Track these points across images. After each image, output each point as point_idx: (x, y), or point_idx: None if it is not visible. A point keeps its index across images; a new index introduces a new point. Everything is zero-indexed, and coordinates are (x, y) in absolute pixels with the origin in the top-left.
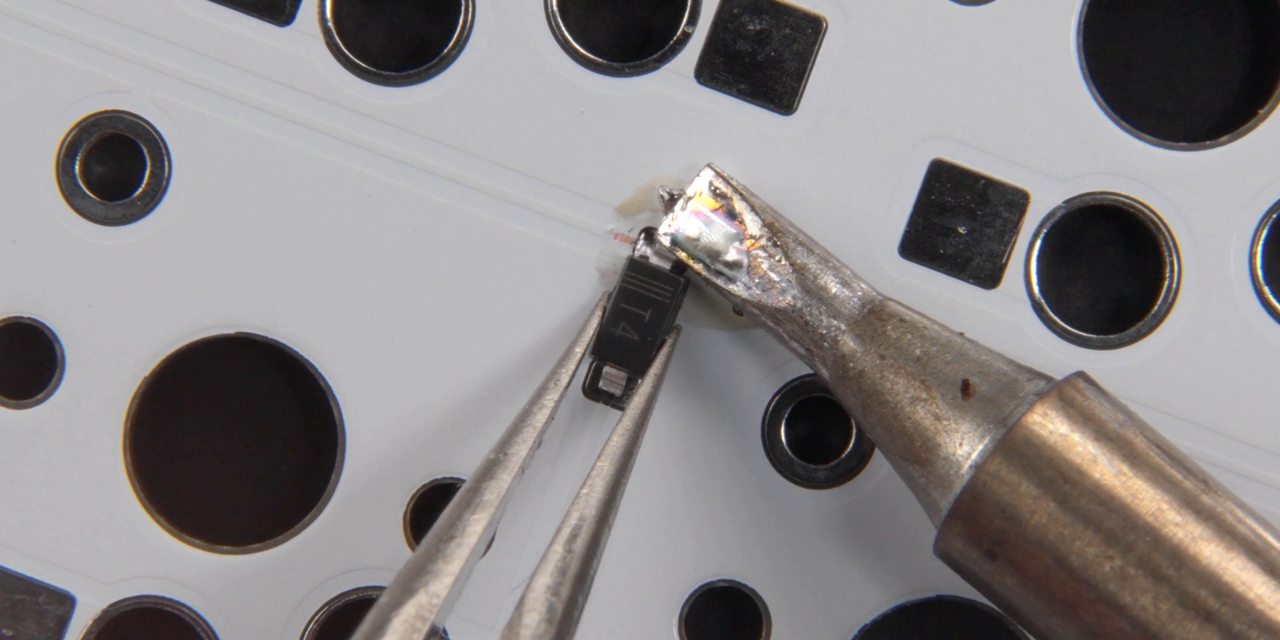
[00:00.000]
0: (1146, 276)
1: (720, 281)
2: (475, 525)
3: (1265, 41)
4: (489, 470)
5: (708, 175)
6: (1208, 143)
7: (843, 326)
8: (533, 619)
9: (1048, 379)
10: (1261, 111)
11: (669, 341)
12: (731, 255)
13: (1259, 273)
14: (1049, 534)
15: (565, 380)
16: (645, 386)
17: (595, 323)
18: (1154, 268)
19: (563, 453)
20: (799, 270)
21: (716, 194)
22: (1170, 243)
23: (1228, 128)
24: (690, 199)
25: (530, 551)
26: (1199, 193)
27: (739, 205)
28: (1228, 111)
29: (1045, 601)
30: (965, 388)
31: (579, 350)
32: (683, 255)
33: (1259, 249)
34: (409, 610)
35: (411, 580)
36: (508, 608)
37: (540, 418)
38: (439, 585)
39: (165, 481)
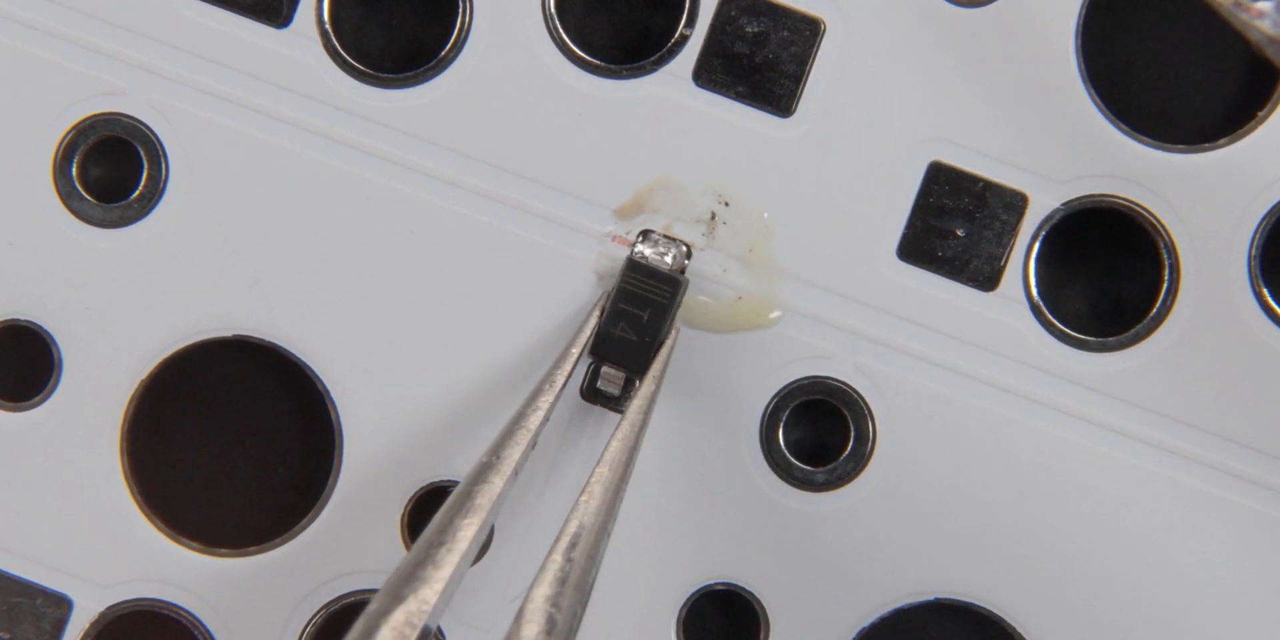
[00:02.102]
0: (1145, 279)
1: (1245, 16)
2: (466, 530)
3: None
4: (482, 474)
5: None
6: (1206, 145)
7: None
8: (531, 631)
9: None
10: (1260, 114)
11: (668, 343)
12: None
13: (1258, 275)
14: None
15: (561, 381)
16: (644, 389)
17: (593, 323)
18: (1153, 270)
19: (559, 456)
20: None
21: None
22: (1169, 245)
23: (1226, 130)
24: None
25: (528, 554)
26: (1198, 195)
27: None
28: (1226, 114)
29: None
30: None
31: (575, 351)
32: None
33: (1257, 251)
34: (398, 617)
35: (401, 587)
36: (505, 614)
37: (535, 420)
38: (429, 591)
39: (162, 484)
